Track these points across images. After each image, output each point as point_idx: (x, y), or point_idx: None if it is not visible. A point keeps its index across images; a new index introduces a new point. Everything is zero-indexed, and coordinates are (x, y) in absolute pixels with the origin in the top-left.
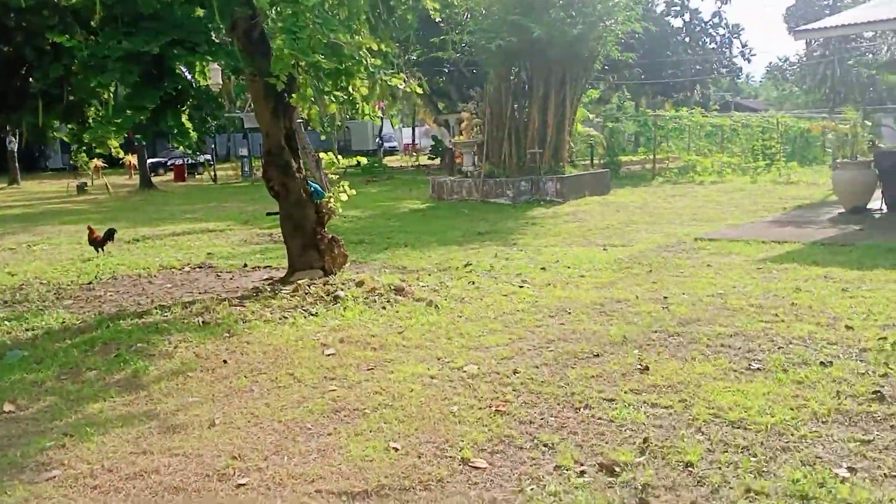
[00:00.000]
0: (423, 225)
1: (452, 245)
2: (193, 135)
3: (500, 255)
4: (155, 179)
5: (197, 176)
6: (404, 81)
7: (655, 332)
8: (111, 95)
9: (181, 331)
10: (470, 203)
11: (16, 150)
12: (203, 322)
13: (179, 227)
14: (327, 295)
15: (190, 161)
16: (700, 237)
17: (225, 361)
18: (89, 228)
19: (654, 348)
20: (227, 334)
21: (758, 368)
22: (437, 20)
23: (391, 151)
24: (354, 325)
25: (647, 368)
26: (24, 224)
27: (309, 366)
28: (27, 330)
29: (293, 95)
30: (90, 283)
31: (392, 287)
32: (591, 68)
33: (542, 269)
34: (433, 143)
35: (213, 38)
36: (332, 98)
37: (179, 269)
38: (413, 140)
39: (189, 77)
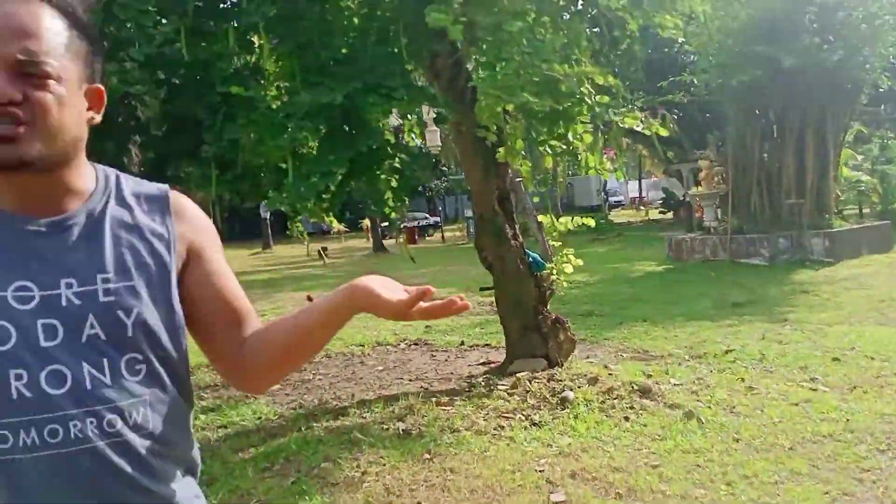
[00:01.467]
0: (662, 292)
1: (703, 320)
2: (397, 208)
3: (769, 337)
4: (389, 242)
5: (427, 238)
6: (641, 122)
7: None
8: (290, 159)
9: (375, 444)
10: (716, 264)
11: (269, 217)
12: (403, 431)
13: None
14: (553, 395)
15: (421, 224)
16: None
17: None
18: (308, 298)
19: None
20: (428, 454)
21: None
22: (669, 58)
23: (617, 206)
24: (590, 448)
25: None
26: (265, 290)
27: None
28: (219, 427)
29: (500, 149)
30: None
31: (636, 387)
32: (857, 101)
33: (835, 359)
34: (664, 195)
35: (413, 81)
36: (548, 149)
37: (395, 346)
38: (640, 193)
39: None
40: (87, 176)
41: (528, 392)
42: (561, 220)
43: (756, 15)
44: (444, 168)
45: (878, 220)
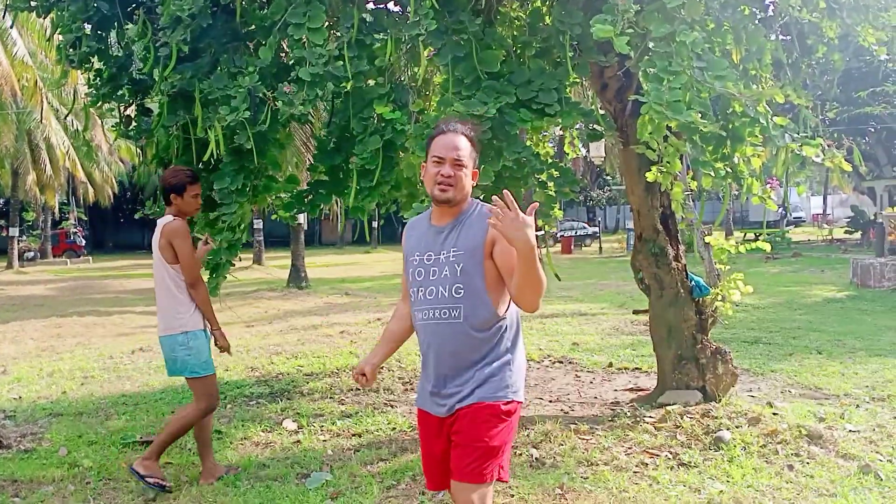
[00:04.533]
0: (842, 322)
1: (890, 357)
2: (558, 213)
3: None
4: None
5: (583, 248)
6: (822, 151)
7: None
8: None
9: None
10: None
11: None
12: (536, 459)
13: (550, 308)
14: (706, 434)
15: (578, 233)
16: None
17: None
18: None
19: None
20: (560, 489)
21: None
22: (870, 66)
23: (797, 223)
24: (744, 499)
25: None
26: None
27: None
28: (353, 435)
29: (651, 168)
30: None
31: (803, 431)
32: None
33: None
34: (851, 213)
35: (569, 96)
36: (710, 171)
37: (538, 363)
38: (824, 210)
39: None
40: (466, 207)
41: (678, 427)
42: (730, 241)
43: None
44: (608, 177)
45: None
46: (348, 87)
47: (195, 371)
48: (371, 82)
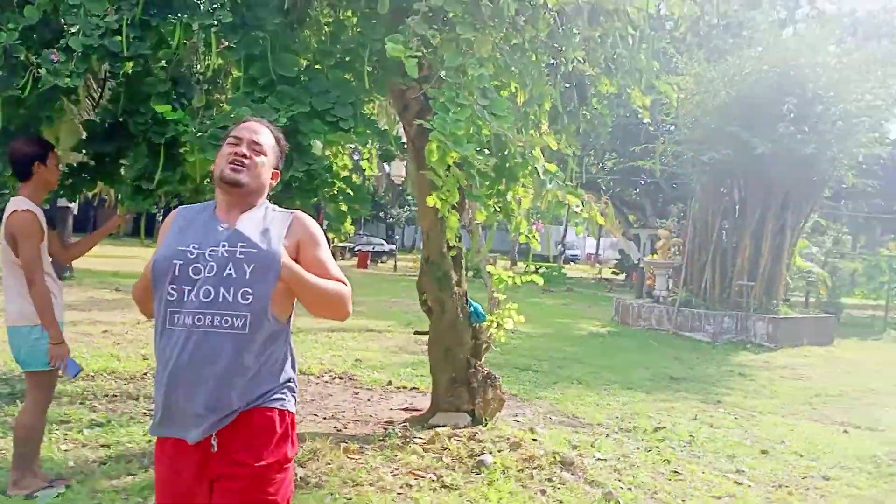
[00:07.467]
0: (603, 356)
1: (638, 391)
2: (349, 227)
3: (701, 418)
4: (340, 264)
5: (379, 264)
6: (582, 202)
7: None
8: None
9: None
10: (660, 334)
11: None
12: (300, 479)
13: (337, 322)
14: (470, 456)
15: (375, 249)
16: None
17: None
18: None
19: None
20: None
21: None
22: (645, 123)
23: (573, 260)
24: None
25: None
26: None
27: None
28: (102, 446)
29: (430, 195)
30: None
31: (558, 458)
32: (819, 194)
33: (763, 452)
34: (619, 256)
35: (366, 112)
36: (483, 205)
37: (318, 378)
38: (597, 250)
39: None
40: (260, 203)
41: (445, 449)
42: (509, 272)
43: (736, 96)
44: (409, 197)
45: (822, 312)
46: (128, 69)
47: None
48: (154, 69)
